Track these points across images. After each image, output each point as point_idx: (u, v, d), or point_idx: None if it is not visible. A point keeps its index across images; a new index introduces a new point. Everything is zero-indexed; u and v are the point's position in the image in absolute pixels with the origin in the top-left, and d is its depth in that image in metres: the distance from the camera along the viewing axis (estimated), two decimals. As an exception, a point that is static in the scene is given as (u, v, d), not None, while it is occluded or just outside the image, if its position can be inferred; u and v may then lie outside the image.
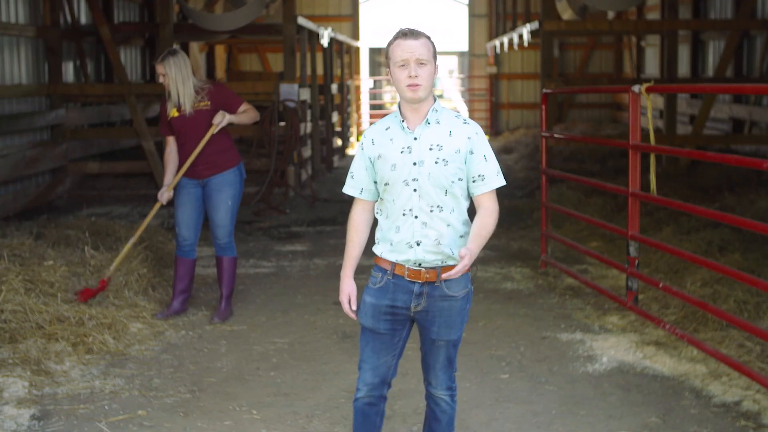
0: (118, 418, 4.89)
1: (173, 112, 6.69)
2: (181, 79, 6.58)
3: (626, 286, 6.46)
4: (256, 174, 12.65)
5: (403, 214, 3.60)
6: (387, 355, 3.73)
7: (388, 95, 40.78)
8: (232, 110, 6.76)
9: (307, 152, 13.84)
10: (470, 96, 26.63)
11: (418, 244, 3.59)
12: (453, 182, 3.59)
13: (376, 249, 3.72)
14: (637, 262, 6.39)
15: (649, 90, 6.08)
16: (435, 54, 3.59)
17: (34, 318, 6.03)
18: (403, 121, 3.62)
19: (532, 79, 24.42)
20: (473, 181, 3.63)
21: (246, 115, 6.82)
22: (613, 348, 5.95)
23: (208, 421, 4.87)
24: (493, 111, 25.15)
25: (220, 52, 20.85)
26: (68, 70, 13.31)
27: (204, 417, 4.92)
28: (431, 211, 3.58)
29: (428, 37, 3.59)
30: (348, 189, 3.75)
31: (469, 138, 3.61)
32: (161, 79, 6.66)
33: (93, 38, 13.83)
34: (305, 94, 13.50)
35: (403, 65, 3.54)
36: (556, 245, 8.74)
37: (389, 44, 3.59)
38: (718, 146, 13.84)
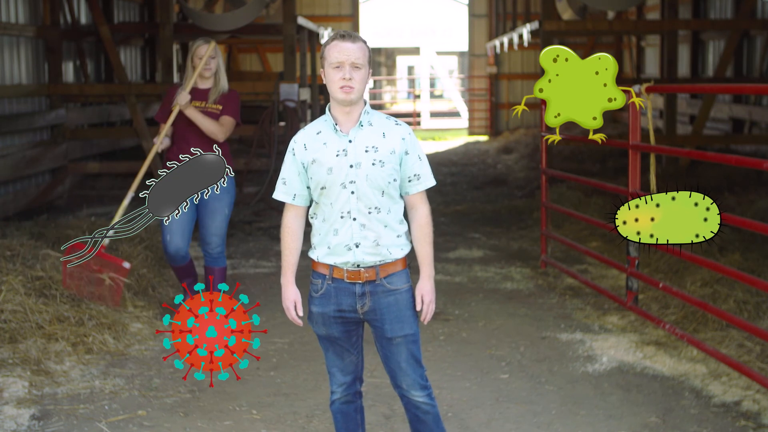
0: (118, 418, 4.89)
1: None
2: (222, 69, 6.53)
3: (626, 286, 6.46)
4: (256, 174, 12.65)
5: (341, 217, 3.63)
6: (350, 355, 3.80)
7: (388, 95, 40.81)
8: (224, 112, 6.54)
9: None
10: (470, 96, 26.64)
11: (357, 246, 3.62)
12: (389, 183, 3.64)
13: (312, 254, 3.73)
14: (637, 262, 6.39)
15: (649, 90, 6.07)
16: (370, 59, 3.66)
17: (34, 318, 6.03)
18: (336, 124, 3.64)
19: (532, 79, 24.41)
20: (409, 181, 3.70)
21: (213, 123, 6.40)
22: (613, 348, 5.95)
23: (208, 421, 4.87)
24: (493, 111, 25.15)
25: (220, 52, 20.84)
26: (68, 70, 13.30)
27: (204, 417, 4.92)
28: (369, 212, 3.62)
29: (365, 42, 3.65)
30: (280, 195, 3.74)
31: (403, 139, 3.67)
32: (201, 63, 6.35)
33: (93, 38, 13.82)
34: (305, 94, 13.49)
35: (338, 67, 3.58)
36: (556, 245, 8.74)
37: (325, 45, 3.63)
38: (718, 146, 13.84)
